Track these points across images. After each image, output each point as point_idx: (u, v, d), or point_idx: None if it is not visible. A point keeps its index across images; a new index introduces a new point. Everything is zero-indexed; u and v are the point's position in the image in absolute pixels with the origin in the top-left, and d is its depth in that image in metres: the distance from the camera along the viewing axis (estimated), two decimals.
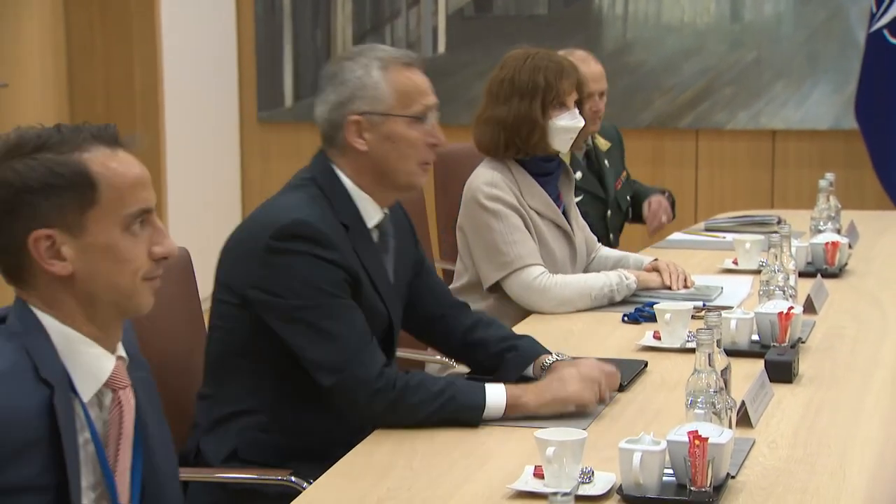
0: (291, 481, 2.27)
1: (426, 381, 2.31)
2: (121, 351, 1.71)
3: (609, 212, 4.17)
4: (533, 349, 2.57)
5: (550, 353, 2.54)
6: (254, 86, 6.51)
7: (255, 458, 2.39)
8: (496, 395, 2.30)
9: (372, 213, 2.47)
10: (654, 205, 4.31)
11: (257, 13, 6.43)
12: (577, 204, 3.53)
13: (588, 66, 3.92)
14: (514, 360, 2.55)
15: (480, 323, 2.67)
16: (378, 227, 2.49)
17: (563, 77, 3.22)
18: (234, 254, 2.42)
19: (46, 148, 1.61)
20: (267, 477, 2.33)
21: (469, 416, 2.28)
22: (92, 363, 1.66)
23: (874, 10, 5.33)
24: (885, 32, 5.30)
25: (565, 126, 3.23)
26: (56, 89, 5.85)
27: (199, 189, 6.25)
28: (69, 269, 1.62)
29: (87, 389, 1.65)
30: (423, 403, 2.27)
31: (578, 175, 3.92)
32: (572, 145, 3.35)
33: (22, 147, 1.62)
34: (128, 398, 1.70)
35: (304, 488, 2.13)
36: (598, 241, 3.60)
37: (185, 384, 2.50)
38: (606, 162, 4.21)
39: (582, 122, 3.28)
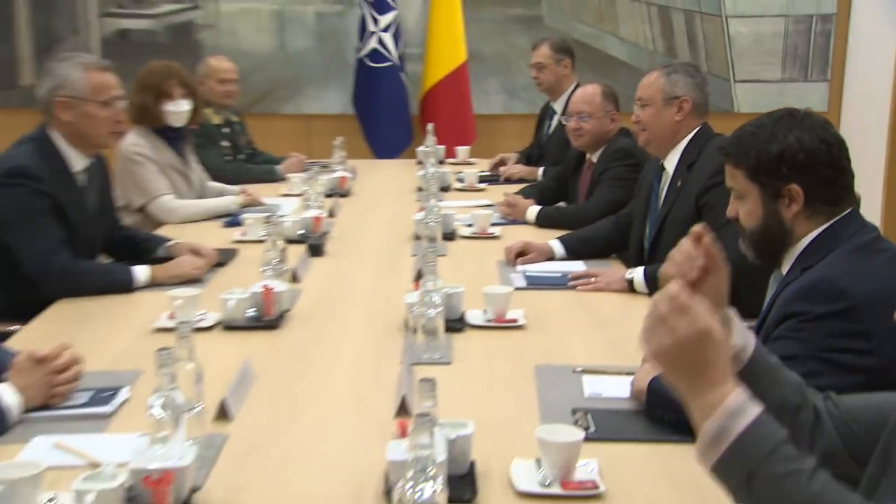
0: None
1: (90, 269, 3.74)
2: None
3: None
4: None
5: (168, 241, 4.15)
6: None
7: None
8: (141, 271, 3.76)
9: (76, 162, 3.80)
10: None
11: None
12: None
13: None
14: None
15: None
16: (84, 171, 3.83)
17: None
18: None
19: None
20: None
21: (123, 286, 3.73)
22: None
23: None
24: None
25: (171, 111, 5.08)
26: None
27: None
28: None
29: None
30: (92, 281, 3.67)
31: None
32: None
33: None
34: None
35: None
36: None
37: None
38: None
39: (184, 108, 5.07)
